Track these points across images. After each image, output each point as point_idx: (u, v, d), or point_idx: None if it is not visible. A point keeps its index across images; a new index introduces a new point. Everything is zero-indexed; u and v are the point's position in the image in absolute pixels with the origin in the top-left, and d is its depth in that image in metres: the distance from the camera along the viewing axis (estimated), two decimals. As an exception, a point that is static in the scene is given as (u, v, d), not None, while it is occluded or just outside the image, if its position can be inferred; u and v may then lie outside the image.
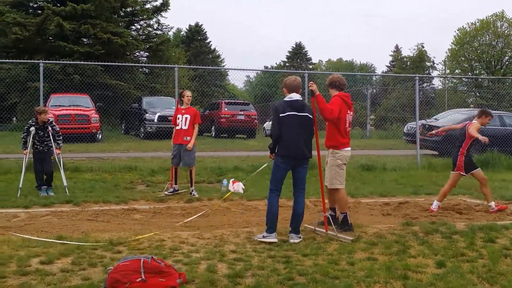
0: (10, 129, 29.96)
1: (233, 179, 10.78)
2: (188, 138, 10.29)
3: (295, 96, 6.61)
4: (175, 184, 10.38)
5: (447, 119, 18.22)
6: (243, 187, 10.55)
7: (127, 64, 25.37)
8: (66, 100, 21.50)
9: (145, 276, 4.67)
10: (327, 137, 7.21)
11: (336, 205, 7.28)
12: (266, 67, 75.80)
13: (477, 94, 46.15)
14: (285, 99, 6.65)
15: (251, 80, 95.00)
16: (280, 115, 6.47)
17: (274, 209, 6.56)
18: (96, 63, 20.04)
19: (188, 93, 10.54)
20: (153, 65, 29.48)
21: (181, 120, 10.34)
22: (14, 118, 34.86)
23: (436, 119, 20.00)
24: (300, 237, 6.53)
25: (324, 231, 6.81)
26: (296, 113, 6.49)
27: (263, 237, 6.48)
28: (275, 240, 6.40)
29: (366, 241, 6.37)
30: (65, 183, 10.08)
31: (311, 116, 6.62)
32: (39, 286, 4.76)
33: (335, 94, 7.19)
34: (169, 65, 24.80)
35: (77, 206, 9.02)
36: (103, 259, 5.62)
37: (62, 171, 10.19)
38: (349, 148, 7.24)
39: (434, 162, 14.75)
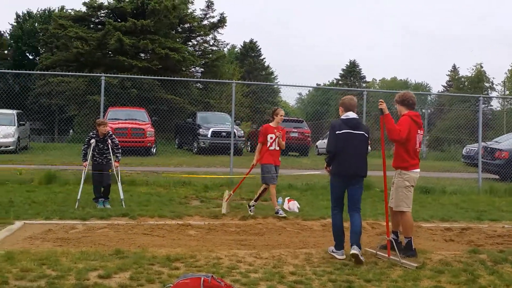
0: (67, 141, 30.84)
1: (288, 198, 10.61)
2: (280, 159, 10.15)
3: (352, 115, 6.70)
4: (256, 201, 10.21)
5: (510, 141, 17.54)
6: (299, 206, 10.37)
7: (186, 79, 25.85)
8: (123, 114, 21.86)
9: (205, 296, 4.55)
10: (394, 157, 6.98)
11: (399, 229, 7.00)
12: (318, 85, 75.66)
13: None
14: (342, 117, 6.72)
15: (303, 97, 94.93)
16: (337, 132, 6.56)
17: (338, 224, 6.70)
18: (155, 77, 20.26)
19: (282, 112, 10.17)
20: (211, 80, 29.78)
21: (274, 139, 9.97)
22: (71, 130, 35.89)
23: (497, 141, 19.28)
24: (360, 249, 6.41)
25: (387, 255, 6.54)
26: (352, 131, 6.57)
27: (332, 251, 6.67)
28: (342, 257, 6.47)
29: (432, 268, 6.07)
30: (122, 196, 10.15)
31: (367, 135, 6.66)
32: (98, 301, 4.70)
33: (405, 113, 6.93)
34: (227, 81, 24.96)
35: (133, 219, 9.04)
36: (161, 275, 5.54)
37: (119, 184, 10.28)
38: (418, 170, 6.97)
39: (496, 186, 14.15)
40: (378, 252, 6.72)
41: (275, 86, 57.69)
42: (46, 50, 39.92)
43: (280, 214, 9.74)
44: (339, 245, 6.61)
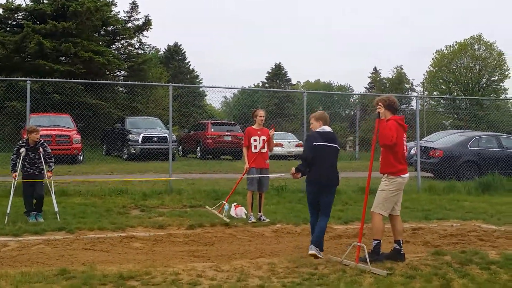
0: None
1: (235, 203, 10.21)
2: (267, 161, 9.79)
3: (327, 128, 7.03)
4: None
5: (443, 140, 17.95)
6: (246, 212, 9.98)
7: (119, 82, 24.83)
8: (46, 120, 20.60)
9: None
10: (382, 163, 6.81)
11: (400, 237, 6.77)
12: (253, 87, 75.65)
13: (455, 116, 46.42)
14: (318, 130, 7.02)
15: (228, 101, 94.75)
16: (314, 143, 6.87)
17: (311, 228, 7.07)
18: (84, 81, 19.28)
19: (261, 112, 9.85)
20: (149, 83, 28.85)
21: (258, 142, 9.67)
22: (-14, 140, 33.72)
23: (426, 140, 19.69)
24: (318, 250, 6.56)
25: (354, 262, 6.28)
26: (327, 143, 6.89)
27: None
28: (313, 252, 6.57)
29: (402, 274, 5.85)
30: (56, 209, 9.40)
31: (339, 148, 7.08)
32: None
33: (391, 117, 6.73)
34: (164, 84, 24.22)
35: (71, 233, 8.37)
36: (117, 297, 4.99)
37: (53, 195, 9.52)
38: (407, 175, 6.82)
39: (435, 184, 14.39)
40: (344, 259, 6.45)
41: (204, 88, 56.96)
42: (-41, 54, 37.41)
43: (264, 220, 9.55)
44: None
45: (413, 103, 60.02)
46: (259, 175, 9.70)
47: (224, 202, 9.75)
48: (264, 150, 9.73)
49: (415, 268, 6.16)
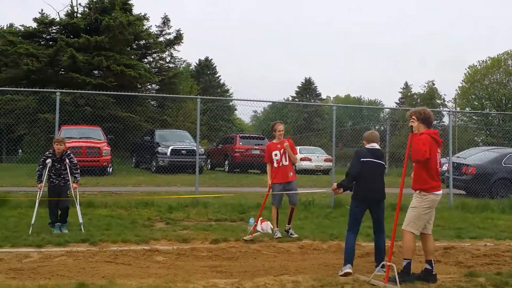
0: (16, 162, 29.36)
1: (261, 218, 9.98)
2: (291, 174, 9.57)
3: (376, 146, 7.19)
4: (277, 227, 9.53)
5: (476, 157, 17.46)
6: (272, 227, 9.75)
7: (149, 95, 24.91)
8: (77, 132, 20.83)
9: None
10: (414, 179, 6.54)
11: (431, 257, 6.48)
12: (274, 102, 75.62)
13: (487, 132, 45.46)
14: (367, 146, 7.19)
15: (258, 115, 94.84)
16: (362, 159, 7.00)
17: (351, 246, 6.97)
18: (113, 93, 19.42)
19: (280, 126, 9.62)
20: (177, 95, 28.95)
21: (279, 156, 9.49)
22: (20, 150, 34.30)
23: (458, 157, 19.19)
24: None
25: (383, 283, 6.00)
26: (375, 160, 7.04)
27: (341, 270, 6.75)
28: (349, 270, 6.62)
29: (433, 296, 5.57)
30: (80, 220, 9.34)
31: (385, 165, 7.38)
32: None
33: (424, 131, 6.48)
34: (192, 96, 24.27)
35: (94, 245, 8.28)
36: (134, 313, 4.83)
37: (78, 207, 9.46)
38: (440, 192, 6.54)
39: (467, 202, 13.94)
40: (372, 279, 6.18)
41: (234, 102, 57.06)
42: (-6, 68, 38.25)
43: (292, 234, 9.35)
44: (348, 261, 6.84)
45: (445, 118, 59.25)
46: (282, 192, 9.50)
47: (256, 224, 9.46)
48: (286, 163, 9.49)
49: (447, 290, 5.85)
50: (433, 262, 6.41)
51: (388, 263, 6.20)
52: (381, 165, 7.14)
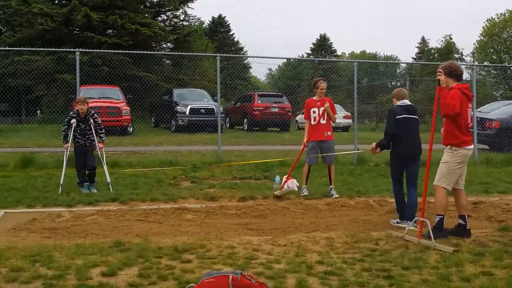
0: (36, 122, 29.52)
1: (286, 176, 9.97)
2: (329, 133, 9.41)
3: (407, 102, 7.33)
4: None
5: (499, 111, 17.20)
6: (298, 185, 9.72)
7: (168, 53, 24.75)
8: (96, 92, 20.72)
9: (236, 296, 3.90)
10: (445, 134, 6.44)
11: (464, 212, 6.44)
12: (289, 60, 74.96)
13: (506, 86, 44.70)
14: (399, 103, 7.29)
15: (273, 73, 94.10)
16: (397, 117, 7.11)
17: (401, 199, 7.28)
18: (131, 51, 19.21)
19: (323, 84, 9.41)
20: (196, 53, 28.75)
21: (317, 114, 9.32)
22: (39, 111, 34.44)
23: (480, 111, 18.91)
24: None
25: (416, 238, 5.99)
26: (409, 115, 7.17)
27: (397, 222, 7.21)
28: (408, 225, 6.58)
29: (470, 251, 5.53)
30: (108, 180, 9.41)
31: (418, 118, 7.34)
32: (107, 305, 4.01)
33: (454, 85, 6.33)
34: (212, 54, 24.05)
35: (124, 204, 8.36)
36: (173, 270, 4.86)
37: (105, 166, 9.51)
38: (471, 147, 6.44)
39: (492, 157, 13.83)
40: (405, 235, 6.17)
41: (249, 60, 56.44)
42: (8, 28, 38.04)
43: (332, 195, 9.17)
44: (402, 216, 7.17)
45: (466, 73, 58.32)
46: (317, 150, 9.37)
47: (286, 180, 9.40)
48: (324, 122, 9.35)
49: (483, 244, 5.81)
50: (466, 217, 6.37)
51: (421, 219, 6.17)
52: (416, 120, 7.24)
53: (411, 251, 5.60)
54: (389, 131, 7.20)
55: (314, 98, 9.48)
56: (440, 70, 6.31)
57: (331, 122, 9.46)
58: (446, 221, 6.46)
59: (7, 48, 28.65)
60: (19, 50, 28.48)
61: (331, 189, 9.34)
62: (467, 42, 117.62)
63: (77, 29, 30.03)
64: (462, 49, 59.88)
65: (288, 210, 8.26)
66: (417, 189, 7.22)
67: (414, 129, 7.20)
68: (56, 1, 31.85)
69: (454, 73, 6.38)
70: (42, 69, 27.09)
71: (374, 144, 7.29)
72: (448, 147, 6.41)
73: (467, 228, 6.29)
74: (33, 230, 6.72)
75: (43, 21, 28.68)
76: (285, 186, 9.54)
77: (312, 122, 9.36)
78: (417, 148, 7.20)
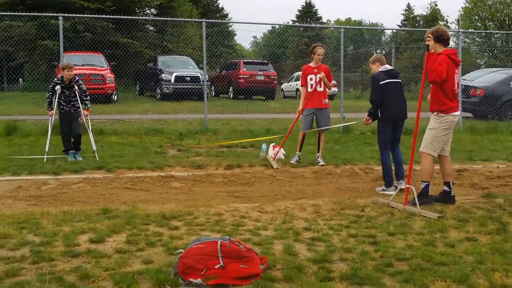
0: (19, 90, 29.10)
1: (273, 144, 9.98)
2: (326, 101, 9.33)
3: (388, 67, 7.40)
4: (299, 151, 9.50)
5: (483, 79, 17.29)
6: (284, 153, 9.74)
7: (156, 18, 24.40)
8: (79, 59, 20.36)
9: (224, 262, 3.93)
10: (432, 100, 6.43)
11: (450, 179, 6.50)
12: (274, 27, 74.43)
13: (490, 54, 44.85)
14: (381, 69, 7.33)
15: (258, 40, 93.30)
16: (380, 83, 7.16)
17: (388, 164, 7.30)
18: (115, 17, 18.91)
19: (320, 49, 9.22)
20: (182, 19, 28.34)
21: (314, 81, 9.22)
22: (21, 79, 33.94)
23: (464, 79, 18.97)
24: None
25: (402, 205, 6.07)
26: (392, 80, 7.23)
27: (383, 190, 7.25)
28: (393, 193, 6.66)
29: (454, 217, 5.62)
30: (94, 148, 9.35)
31: (401, 81, 7.42)
32: (96, 272, 4.02)
33: (441, 51, 6.30)
34: (197, 19, 23.76)
35: (110, 172, 8.32)
36: (161, 237, 4.90)
37: (91, 134, 9.43)
38: (457, 113, 6.48)
39: (477, 124, 13.96)
40: (391, 202, 6.24)
41: (234, 27, 55.84)
42: (-13, -7, 37.19)
43: (319, 163, 9.19)
44: (390, 183, 7.27)
45: (451, 40, 58.25)
46: (312, 117, 9.35)
47: (279, 149, 9.40)
48: (321, 89, 9.28)
49: (467, 211, 5.91)
50: (451, 184, 6.44)
51: (407, 185, 6.24)
52: (399, 83, 7.36)
53: (397, 217, 5.68)
54: (375, 99, 7.25)
55: (311, 64, 9.33)
56: (429, 35, 6.26)
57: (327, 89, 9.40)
58: (431, 188, 6.53)
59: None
60: (-1, 14, 27.92)
61: (318, 157, 9.36)
62: (452, 9, 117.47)
63: (59, -7, 29.38)
64: (447, 16, 60.00)
65: (275, 178, 8.29)
66: (400, 149, 7.49)
67: (399, 93, 7.29)
68: (38, -36, 31.05)
69: (442, 38, 6.33)
70: (24, 35, 26.58)
71: (366, 117, 7.34)
72: (435, 113, 6.43)
73: (452, 194, 6.38)
74: (19, 198, 6.69)
75: (24, -15, 28.02)
76: (271, 154, 9.56)
77: (309, 89, 9.26)
78: (404, 112, 7.31)
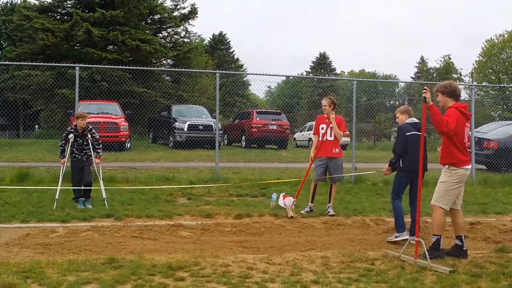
0: (34, 137, 29.53)
1: (283, 193, 9.92)
2: (337, 150, 9.32)
3: (415, 119, 7.51)
4: (312, 202, 9.44)
5: (497, 131, 17.20)
6: (294, 201, 9.65)
7: (168, 69, 24.85)
8: (95, 107, 20.79)
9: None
10: (443, 153, 6.38)
11: (461, 232, 6.39)
12: (288, 78, 75.27)
13: (504, 106, 44.83)
14: (407, 121, 7.47)
15: (272, 90, 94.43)
16: (406, 134, 7.28)
17: (401, 211, 7.37)
18: (130, 67, 19.34)
19: (323, 101, 9.36)
20: (195, 70, 28.88)
21: (324, 130, 9.31)
22: (37, 126, 34.48)
23: (478, 131, 18.91)
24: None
25: (413, 258, 5.94)
26: (417, 132, 7.22)
27: (396, 237, 7.27)
28: (407, 237, 6.94)
29: (466, 272, 5.47)
30: (104, 195, 9.35)
31: (426, 135, 7.30)
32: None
33: (451, 105, 6.31)
34: (211, 71, 24.10)
35: (119, 220, 8.27)
36: (167, 289, 4.81)
37: (101, 182, 9.46)
38: (469, 166, 6.40)
39: (490, 177, 13.79)
40: (402, 255, 6.11)
41: (249, 78, 56.50)
42: (10, 43, 38.26)
43: (329, 213, 9.11)
44: (402, 228, 7.30)
45: (463, 93, 58.36)
46: (324, 167, 9.29)
47: (295, 200, 9.31)
48: (331, 138, 9.30)
49: (479, 265, 5.76)
50: (463, 238, 6.32)
51: (416, 239, 6.13)
52: (424, 137, 7.23)
53: (407, 271, 5.54)
54: (398, 149, 7.35)
55: (324, 114, 9.42)
56: (425, 87, 6.23)
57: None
58: (442, 241, 6.40)
59: (7, 62, 28.81)
60: (19, 64, 28.67)
61: (328, 207, 9.28)
62: (466, 62, 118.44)
63: (77, 44, 30.22)
64: (461, 69, 60.18)
65: (284, 228, 8.19)
66: None
67: (422, 147, 7.23)
68: (58, 17, 32.04)
69: (455, 93, 6.37)
70: (42, 84, 27.19)
71: (387, 167, 7.50)
72: (446, 166, 6.37)
73: (464, 248, 6.24)
74: (26, 246, 6.66)
75: (44, 36, 28.83)
76: (281, 204, 9.50)
77: (320, 138, 9.34)
78: (423, 165, 7.13)
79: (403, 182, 7.36)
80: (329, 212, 9.16)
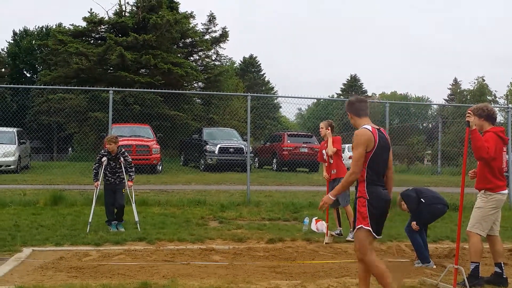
0: (67, 160, 30.00)
1: (315, 218, 9.82)
2: (335, 171, 9.25)
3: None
4: (339, 226, 9.43)
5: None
6: (326, 225, 9.51)
7: (199, 92, 25.08)
8: (127, 130, 21.05)
9: None
10: (479, 178, 6.24)
11: (500, 259, 6.23)
12: (319, 100, 75.03)
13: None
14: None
15: (302, 113, 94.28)
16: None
17: (421, 242, 7.35)
18: (162, 91, 19.60)
19: (320, 124, 9.44)
20: (226, 93, 29.09)
21: (325, 155, 9.37)
22: (70, 149, 35.06)
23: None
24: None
25: (451, 286, 5.77)
26: None
27: (426, 265, 7.23)
28: (434, 266, 7.13)
29: (508, 303, 5.30)
30: (136, 218, 9.39)
31: None
32: None
33: (489, 129, 6.20)
34: (243, 93, 24.25)
35: (151, 244, 8.27)
36: (199, 315, 4.75)
37: (134, 205, 9.52)
38: (506, 191, 6.23)
39: (528, 202, 13.41)
40: (440, 283, 5.95)
41: (279, 100, 56.63)
42: (44, 67, 39.21)
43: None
44: (428, 258, 7.30)
45: (500, 115, 57.37)
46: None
47: (326, 223, 9.26)
48: (331, 161, 9.25)
49: (521, 295, 5.58)
50: (502, 265, 6.12)
51: (456, 266, 5.95)
52: None
53: (446, 300, 5.38)
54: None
55: (325, 140, 9.46)
56: (469, 111, 6.11)
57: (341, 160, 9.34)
58: (481, 269, 6.22)
59: (42, 86, 29.51)
60: (54, 88, 29.32)
61: (340, 231, 9.30)
62: (500, 84, 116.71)
63: (111, 68, 30.74)
64: (496, 91, 59.23)
65: (317, 253, 8.09)
66: None
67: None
68: (92, 41, 32.73)
69: (492, 116, 6.25)
70: (75, 107, 27.71)
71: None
72: (482, 191, 6.22)
73: (504, 276, 6.05)
74: (60, 269, 6.69)
75: (78, 60, 29.42)
76: (314, 228, 9.44)
77: (324, 164, 9.49)
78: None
79: (429, 220, 7.70)
80: (338, 234, 9.19)
